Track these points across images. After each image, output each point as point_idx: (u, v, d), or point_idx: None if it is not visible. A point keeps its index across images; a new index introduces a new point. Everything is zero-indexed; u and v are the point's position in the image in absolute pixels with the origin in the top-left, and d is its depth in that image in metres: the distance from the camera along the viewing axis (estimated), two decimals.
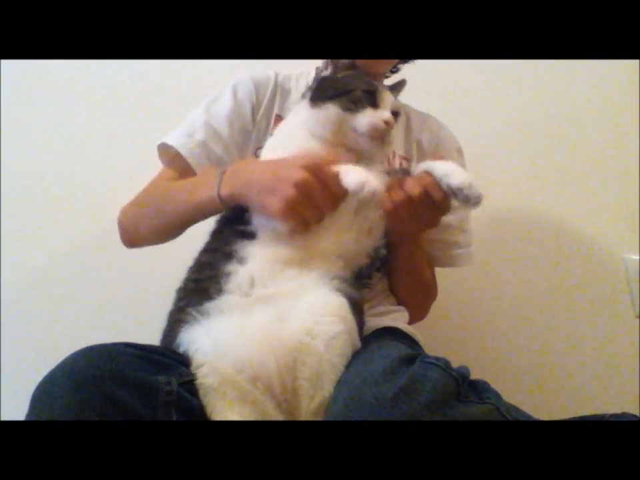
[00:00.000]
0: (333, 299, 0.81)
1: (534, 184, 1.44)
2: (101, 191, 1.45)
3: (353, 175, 0.78)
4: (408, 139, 1.13)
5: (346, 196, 0.80)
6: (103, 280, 1.45)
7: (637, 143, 1.38)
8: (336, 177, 0.79)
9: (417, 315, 1.12)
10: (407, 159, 1.10)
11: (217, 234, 0.91)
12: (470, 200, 0.77)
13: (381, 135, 0.85)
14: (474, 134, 1.45)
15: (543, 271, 1.43)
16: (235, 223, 0.88)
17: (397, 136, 1.07)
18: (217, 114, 1.05)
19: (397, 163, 1.08)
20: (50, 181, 1.48)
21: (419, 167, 0.85)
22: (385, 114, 0.85)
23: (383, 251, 0.90)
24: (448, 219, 1.03)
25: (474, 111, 1.46)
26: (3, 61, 1.47)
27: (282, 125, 0.98)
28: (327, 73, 0.93)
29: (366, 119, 0.84)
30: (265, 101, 1.07)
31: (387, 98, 0.87)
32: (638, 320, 1.36)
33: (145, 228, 1.01)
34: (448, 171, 0.79)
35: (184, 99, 1.41)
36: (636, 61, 1.37)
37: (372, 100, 0.86)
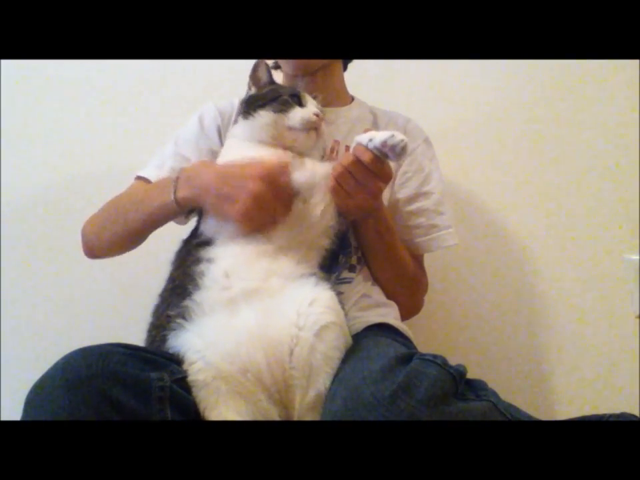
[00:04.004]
0: (322, 292, 0.84)
1: (533, 183, 1.43)
2: (101, 192, 1.44)
3: (301, 173, 0.89)
4: None
5: (297, 197, 0.89)
6: (98, 283, 1.45)
7: (637, 143, 1.38)
8: (288, 185, 0.88)
9: (407, 307, 1.12)
10: None
11: (179, 253, 0.95)
12: (395, 148, 0.84)
13: (314, 126, 0.95)
14: (474, 135, 1.45)
15: (542, 270, 1.42)
16: (191, 239, 0.94)
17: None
18: (184, 141, 1.10)
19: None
20: (50, 182, 1.47)
21: (352, 145, 0.92)
22: (312, 108, 0.95)
23: (342, 227, 0.97)
24: (423, 204, 1.10)
25: (474, 111, 1.46)
26: (3, 61, 1.46)
27: (225, 144, 1.04)
28: (251, 92, 1.02)
29: (297, 114, 0.94)
30: (231, 124, 1.10)
31: (310, 99, 0.99)
32: (638, 320, 1.35)
33: (106, 237, 1.04)
34: (371, 136, 0.86)
35: (184, 99, 1.43)
36: (636, 61, 1.37)
37: (298, 101, 0.96)
